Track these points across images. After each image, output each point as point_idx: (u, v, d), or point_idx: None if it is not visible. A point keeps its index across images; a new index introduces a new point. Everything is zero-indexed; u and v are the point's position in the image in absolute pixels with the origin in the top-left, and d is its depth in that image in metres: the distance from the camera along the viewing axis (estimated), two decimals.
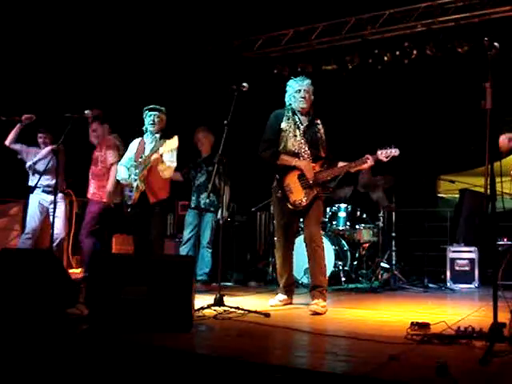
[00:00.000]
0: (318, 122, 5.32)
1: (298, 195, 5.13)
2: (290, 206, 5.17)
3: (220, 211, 6.98)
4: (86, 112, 6.05)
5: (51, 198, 6.77)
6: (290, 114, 5.27)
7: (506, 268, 6.73)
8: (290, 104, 5.30)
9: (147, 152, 5.81)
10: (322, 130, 5.28)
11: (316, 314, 4.71)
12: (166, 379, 2.99)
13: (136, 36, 9.20)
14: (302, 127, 5.23)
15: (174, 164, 5.73)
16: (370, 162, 5.09)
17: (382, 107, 9.49)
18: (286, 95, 5.33)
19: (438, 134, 9.15)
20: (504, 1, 8.29)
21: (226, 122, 4.92)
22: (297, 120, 5.25)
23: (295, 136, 5.20)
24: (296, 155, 5.17)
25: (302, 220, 5.58)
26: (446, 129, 9.05)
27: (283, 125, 5.23)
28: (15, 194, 8.44)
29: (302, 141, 5.19)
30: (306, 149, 5.18)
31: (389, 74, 9.35)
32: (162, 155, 5.55)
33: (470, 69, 7.95)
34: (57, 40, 8.66)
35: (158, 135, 5.89)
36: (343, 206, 7.82)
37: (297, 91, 5.23)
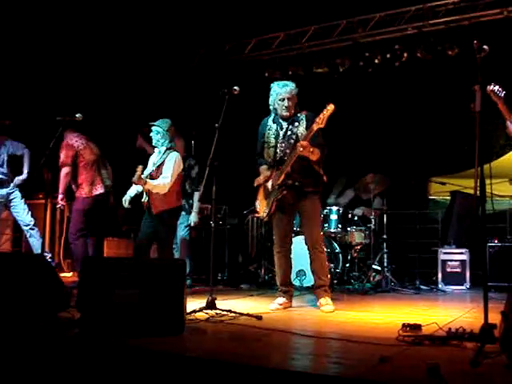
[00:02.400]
0: (301, 117, 5.29)
1: (262, 208, 5.45)
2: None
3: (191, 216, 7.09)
4: (77, 115, 6.05)
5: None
6: (271, 123, 5.40)
7: (497, 269, 6.81)
8: (275, 109, 5.37)
9: (151, 166, 5.96)
10: (301, 127, 5.24)
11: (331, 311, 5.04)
12: (158, 382, 2.98)
13: (127, 39, 9.20)
14: (281, 134, 5.32)
15: (167, 180, 5.69)
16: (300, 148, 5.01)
17: (372, 109, 9.52)
18: (270, 99, 5.38)
19: (428, 136, 9.19)
20: (494, 4, 8.34)
21: (217, 125, 4.93)
22: (277, 128, 5.36)
23: (273, 146, 5.33)
24: (272, 165, 5.32)
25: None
26: (437, 131, 9.10)
27: (265, 135, 5.40)
28: None
29: (278, 150, 5.31)
30: (282, 156, 5.27)
31: (379, 77, 9.38)
32: (146, 182, 5.60)
33: (459, 71, 7.99)
34: (47, 44, 8.64)
35: (162, 148, 5.95)
36: (335, 208, 7.83)
37: (281, 99, 5.28)
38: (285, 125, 5.34)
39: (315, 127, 5.00)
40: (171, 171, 5.74)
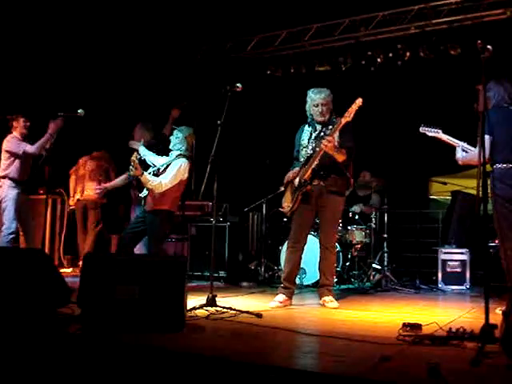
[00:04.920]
0: (336, 121, 5.39)
1: (287, 202, 5.60)
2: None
3: None
4: (78, 111, 6.06)
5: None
6: (307, 127, 5.61)
7: (497, 270, 6.80)
8: (311, 114, 5.56)
9: (159, 164, 6.00)
10: (336, 126, 5.36)
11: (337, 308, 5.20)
12: (157, 379, 2.98)
13: (129, 36, 9.19)
14: (313, 135, 5.51)
15: (164, 180, 5.66)
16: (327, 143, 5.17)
17: (374, 108, 9.51)
18: (306, 106, 5.59)
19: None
20: (497, 4, 8.33)
21: (219, 122, 4.93)
22: (311, 130, 5.56)
23: (305, 147, 5.51)
24: (304, 163, 5.46)
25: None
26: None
27: (302, 139, 5.59)
28: None
29: (309, 149, 5.48)
30: (311, 154, 5.42)
31: (382, 76, 9.37)
32: (143, 173, 5.59)
33: (462, 71, 7.97)
34: (49, 39, 8.63)
35: (175, 152, 5.94)
36: None
37: (315, 105, 5.49)
38: (319, 127, 5.54)
39: (343, 121, 5.20)
40: (172, 174, 5.71)
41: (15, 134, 6.94)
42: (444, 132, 5.46)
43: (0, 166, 6.85)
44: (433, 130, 5.42)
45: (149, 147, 6.36)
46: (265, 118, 9.97)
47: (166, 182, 5.66)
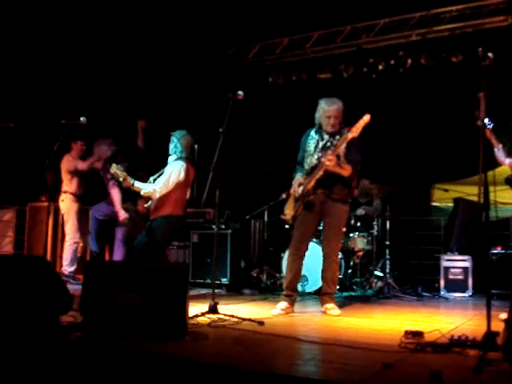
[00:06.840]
0: (344, 132, 5.37)
1: (289, 210, 5.63)
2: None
3: None
4: (81, 119, 6.08)
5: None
6: (313, 134, 5.58)
7: (499, 277, 6.79)
8: (320, 123, 5.53)
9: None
10: (341, 141, 5.34)
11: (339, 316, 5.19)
12: None
13: (132, 44, 9.22)
14: (320, 144, 5.49)
15: (157, 186, 5.72)
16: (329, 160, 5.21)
17: (376, 116, 9.51)
18: (317, 114, 5.55)
19: (432, 142, 9.18)
20: (498, 11, 8.35)
21: (221, 130, 4.94)
22: (318, 138, 5.54)
23: (312, 155, 5.49)
24: (309, 173, 5.46)
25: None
26: (440, 137, 9.08)
27: (307, 145, 5.57)
28: (8, 201, 8.44)
29: (315, 158, 5.46)
30: (317, 164, 5.42)
31: (383, 83, 9.38)
32: (133, 184, 5.68)
33: (463, 78, 7.98)
34: (52, 47, 8.66)
35: (173, 157, 5.97)
36: None
37: (327, 116, 5.44)
38: (326, 137, 5.51)
39: (350, 136, 5.21)
40: (165, 179, 5.75)
41: (72, 154, 7.80)
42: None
43: (63, 183, 7.69)
44: (490, 126, 5.19)
45: (113, 158, 6.83)
46: (266, 126, 9.98)
47: (159, 187, 5.73)
